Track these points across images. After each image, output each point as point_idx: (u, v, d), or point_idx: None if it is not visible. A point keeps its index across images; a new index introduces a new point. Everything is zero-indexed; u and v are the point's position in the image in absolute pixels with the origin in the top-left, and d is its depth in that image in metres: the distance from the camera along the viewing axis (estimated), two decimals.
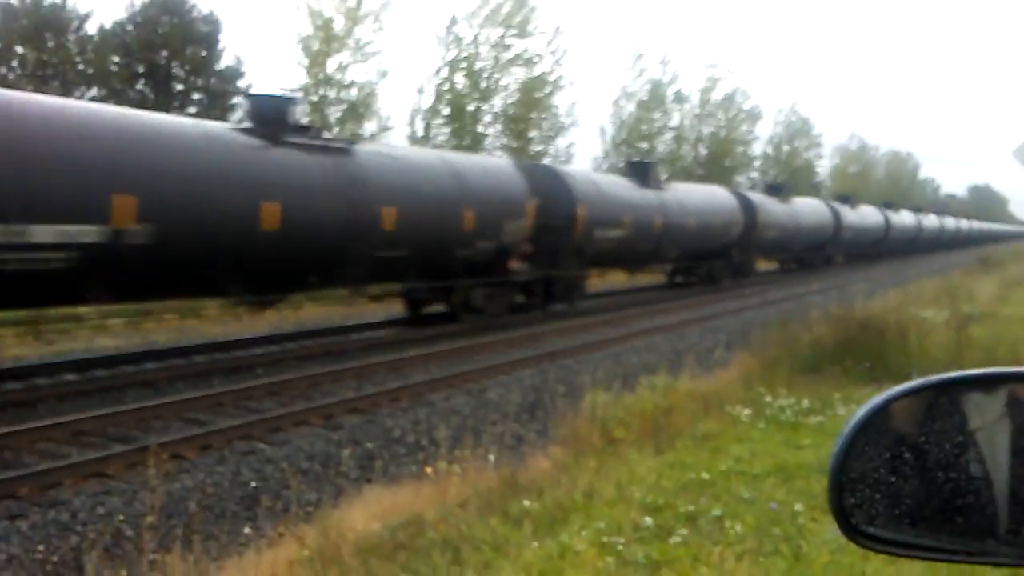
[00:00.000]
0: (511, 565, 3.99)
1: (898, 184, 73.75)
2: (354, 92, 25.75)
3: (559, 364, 12.31)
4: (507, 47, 28.43)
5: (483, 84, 28.33)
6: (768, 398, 7.66)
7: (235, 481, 6.85)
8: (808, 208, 34.99)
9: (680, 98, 40.39)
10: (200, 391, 9.67)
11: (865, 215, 43.04)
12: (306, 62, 25.31)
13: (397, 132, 28.38)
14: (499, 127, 29.57)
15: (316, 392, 10.07)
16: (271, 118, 12.21)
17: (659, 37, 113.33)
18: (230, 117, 24.91)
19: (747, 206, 27.77)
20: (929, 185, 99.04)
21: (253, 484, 6.77)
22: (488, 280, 15.94)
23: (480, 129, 28.72)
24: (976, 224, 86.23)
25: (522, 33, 28.50)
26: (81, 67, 24.98)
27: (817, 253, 37.25)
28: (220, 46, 26.80)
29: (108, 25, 25.65)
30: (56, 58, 24.31)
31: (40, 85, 22.60)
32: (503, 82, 28.86)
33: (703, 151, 42.36)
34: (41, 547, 5.45)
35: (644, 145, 37.75)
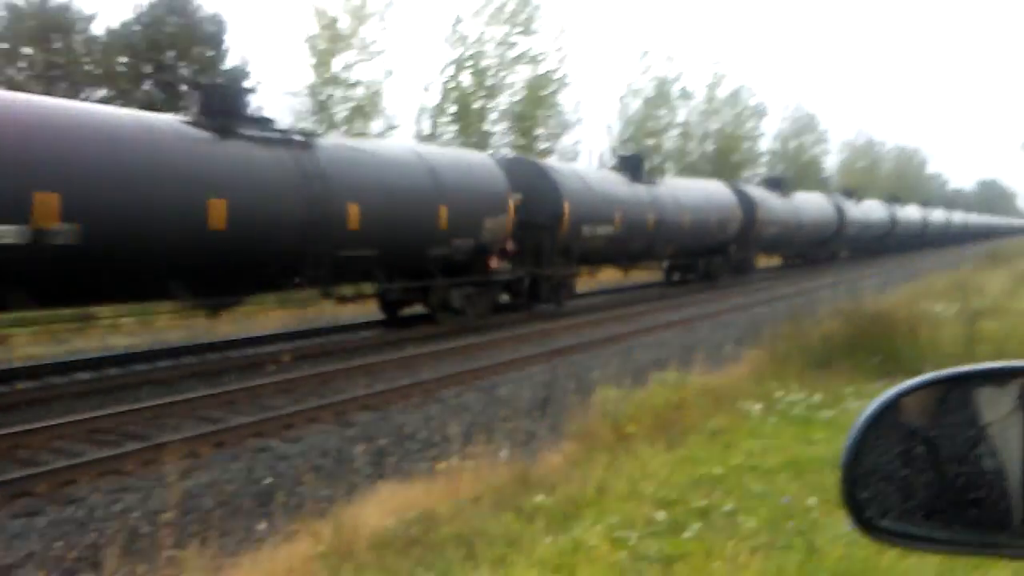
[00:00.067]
0: (524, 560, 4.02)
1: (905, 179, 73.47)
2: (360, 91, 25.82)
3: (569, 360, 12.34)
4: (512, 45, 28.46)
5: (489, 82, 28.35)
6: (779, 393, 7.66)
7: (249, 478, 6.91)
8: (810, 203, 34.22)
9: (686, 95, 40.35)
10: (213, 389, 9.74)
11: (870, 210, 42.44)
12: (312, 61, 25.39)
13: (404, 131, 28.47)
14: (505, 125, 29.60)
15: (328, 389, 10.13)
16: (222, 110, 11.51)
17: (664, 34, 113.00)
18: None
19: (746, 202, 27.09)
20: (937, 180, 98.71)
21: (267, 481, 6.82)
22: (467, 280, 15.38)
23: (486, 127, 28.75)
24: (984, 218, 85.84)
25: (527, 31, 28.52)
26: (88, 68, 25.06)
27: (821, 249, 36.65)
28: (226, 46, 26.83)
29: (115, 26, 25.73)
30: (63, 59, 24.39)
31: (48, 86, 22.69)
32: (509, 80, 28.89)
33: (710, 147, 42.29)
34: (59, 544, 5.51)
35: (650, 142, 37.72)
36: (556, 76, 29.66)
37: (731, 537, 4.14)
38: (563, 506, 4.82)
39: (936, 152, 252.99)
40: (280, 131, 12.45)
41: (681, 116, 40.34)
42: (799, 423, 6.84)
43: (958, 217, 69.79)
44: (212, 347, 12.71)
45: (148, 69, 25.48)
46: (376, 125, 26.32)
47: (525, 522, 4.58)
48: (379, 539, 4.47)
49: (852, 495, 1.33)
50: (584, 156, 32.18)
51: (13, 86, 21.24)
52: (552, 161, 22.19)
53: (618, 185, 20.75)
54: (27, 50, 23.99)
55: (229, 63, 26.49)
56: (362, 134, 24.17)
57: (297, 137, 12.56)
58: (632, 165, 22.40)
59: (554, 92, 29.90)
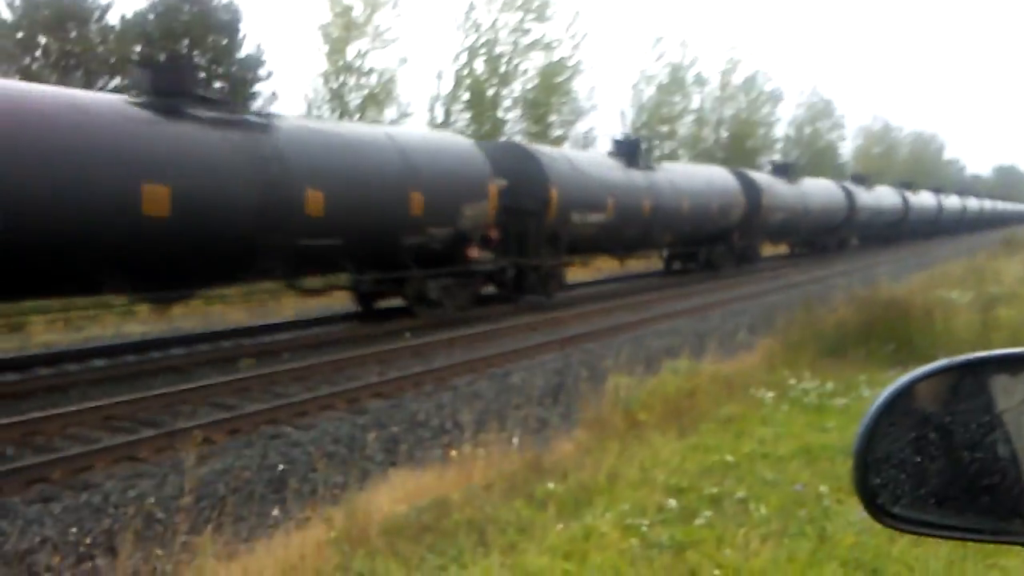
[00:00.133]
0: (536, 547, 4.03)
1: (922, 165, 72.96)
2: (374, 79, 25.83)
3: (581, 348, 12.34)
4: (526, 32, 28.41)
5: (502, 69, 28.31)
6: (792, 381, 7.64)
7: (263, 464, 6.95)
8: (819, 189, 33.14)
9: (700, 81, 40.22)
10: (227, 376, 9.79)
11: (882, 196, 41.28)
12: (326, 49, 25.40)
13: (417, 118, 28.45)
14: (519, 112, 29.56)
15: (341, 377, 10.17)
16: (170, 89, 10.63)
17: (679, 19, 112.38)
18: (251, 105, 25.03)
19: (750, 187, 25.96)
20: (954, 166, 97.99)
21: (281, 467, 6.85)
22: (446, 271, 14.43)
23: (500, 114, 28.72)
24: (1000, 204, 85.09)
25: (541, 17, 28.45)
26: (103, 57, 25.15)
27: (829, 237, 35.57)
28: (240, 34, 26.86)
29: (129, 15, 25.81)
30: (78, 48, 24.49)
31: (63, 75, 22.80)
32: (522, 67, 28.86)
33: (724, 134, 42.11)
34: (74, 529, 5.56)
35: (664, 128, 37.60)
36: (570, 63, 29.62)
37: (742, 525, 4.14)
38: (574, 493, 4.82)
39: (954, 138, 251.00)
40: (235, 111, 11.66)
41: (695, 102, 40.30)
42: (812, 411, 6.82)
43: (973, 203, 69.09)
44: (225, 335, 12.77)
45: (163, 58, 25.55)
46: (389, 113, 26.37)
47: (536, 509, 4.59)
48: (391, 525, 4.49)
49: (865, 482, 1.32)
50: (599, 143, 31.95)
51: (28, 75, 21.36)
52: (542, 146, 21.16)
53: (612, 170, 19.75)
54: (42, 39, 24.10)
55: (244, 51, 26.52)
56: (376, 122, 24.17)
57: (253, 118, 11.74)
58: (628, 150, 21.31)
59: (568, 79, 29.83)
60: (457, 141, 16.38)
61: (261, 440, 7.60)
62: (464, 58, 27.76)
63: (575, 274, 20.39)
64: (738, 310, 16.81)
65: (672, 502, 4.53)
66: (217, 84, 26.72)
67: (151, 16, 25.56)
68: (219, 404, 8.76)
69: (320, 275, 13.58)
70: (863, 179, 41.10)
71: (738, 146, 41.32)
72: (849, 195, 35.71)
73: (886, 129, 71.25)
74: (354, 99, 25.83)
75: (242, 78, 26.94)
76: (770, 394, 7.27)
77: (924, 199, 50.20)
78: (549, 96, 29.46)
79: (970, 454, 1.27)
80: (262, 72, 27.42)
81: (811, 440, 5.83)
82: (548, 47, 28.90)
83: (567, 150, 22.54)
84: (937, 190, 56.03)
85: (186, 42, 25.45)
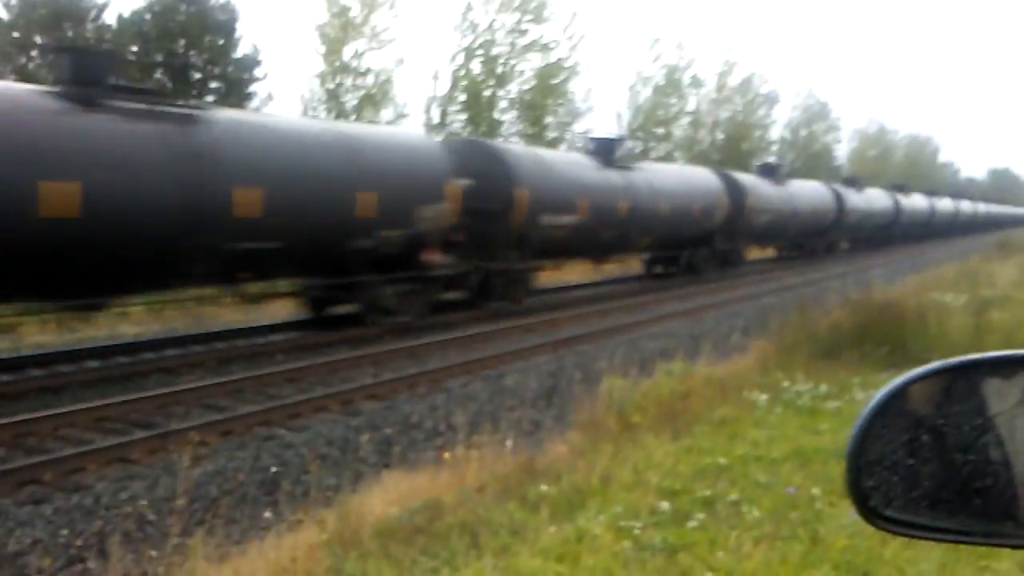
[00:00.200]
0: (528, 549, 4.02)
1: (917, 168, 73.13)
2: (370, 80, 25.83)
3: (575, 350, 12.33)
4: (523, 33, 28.45)
5: (499, 70, 28.34)
6: (785, 383, 7.65)
7: (256, 466, 6.92)
8: (807, 191, 32.34)
9: (696, 83, 40.24)
10: (220, 377, 9.77)
11: (873, 198, 40.70)
12: (323, 49, 25.40)
13: (413, 119, 28.45)
14: (515, 113, 29.58)
15: (334, 378, 10.15)
16: (87, 78, 9.79)
17: (675, 21, 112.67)
18: (247, 105, 25.01)
19: (734, 188, 25.05)
20: (948, 169, 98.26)
21: (273, 469, 6.84)
22: (400, 276, 13.48)
23: (496, 116, 28.74)
24: (995, 208, 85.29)
25: (538, 19, 28.49)
26: None
27: (818, 239, 34.85)
28: (237, 35, 26.85)
29: (126, 14, 25.78)
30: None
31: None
32: (519, 68, 28.88)
33: (720, 136, 42.16)
34: (65, 531, 5.53)
35: (660, 130, 37.64)
36: (567, 64, 29.64)
37: (735, 527, 4.14)
38: (568, 495, 4.81)
39: (949, 141, 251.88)
40: (159, 102, 10.72)
41: (691, 104, 40.30)
42: (805, 413, 6.82)
43: (967, 206, 69.16)
44: (219, 336, 12.73)
45: (159, 57, 25.51)
46: (386, 113, 26.38)
47: (529, 511, 4.58)
48: (384, 528, 4.48)
49: (857, 484, 1.32)
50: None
51: (24, 75, 21.30)
52: (509, 144, 20.24)
53: (586, 170, 18.75)
54: (39, 39, 24.04)
55: (240, 52, 26.50)
56: (372, 122, 24.16)
57: (181, 110, 10.78)
58: (604, 148, 20.28)
59: (565, 80, 29.87)
60: (415, 138, 15.48)
61: (254, 442, 7.57)
62: (461, 59, 27.82)
63: (551, 277, 19.98)
64: (732, 312, 16.81)
65: (665, 504, 4.52)
66: (213, 84, 26.73)
67: (148, 16, 25.52)
68: (212, 406, 8.74)
69: (259, 280, 12.60)
70: (854, 181, 40.48)
71: (734, 148, 41.36)
72: (838, 197, 35.11)
73: (882, 132, 71.47)
74: (350, 100, 25.84)
75: (238, 78, 26.92)
76: (764, 396, 7.27)
77: (916, 202, 49.98)
78: (546, 97, 29.49)
79: (963, 457, 1.27)
80: (258, 72, 27.42)
81: (804, 443, 5.83)
82: (545, 48, 28.96)
83: (538, 149, 21.56)
84: (930, 193, 56.01)
85: (182, 42, 25.42)
